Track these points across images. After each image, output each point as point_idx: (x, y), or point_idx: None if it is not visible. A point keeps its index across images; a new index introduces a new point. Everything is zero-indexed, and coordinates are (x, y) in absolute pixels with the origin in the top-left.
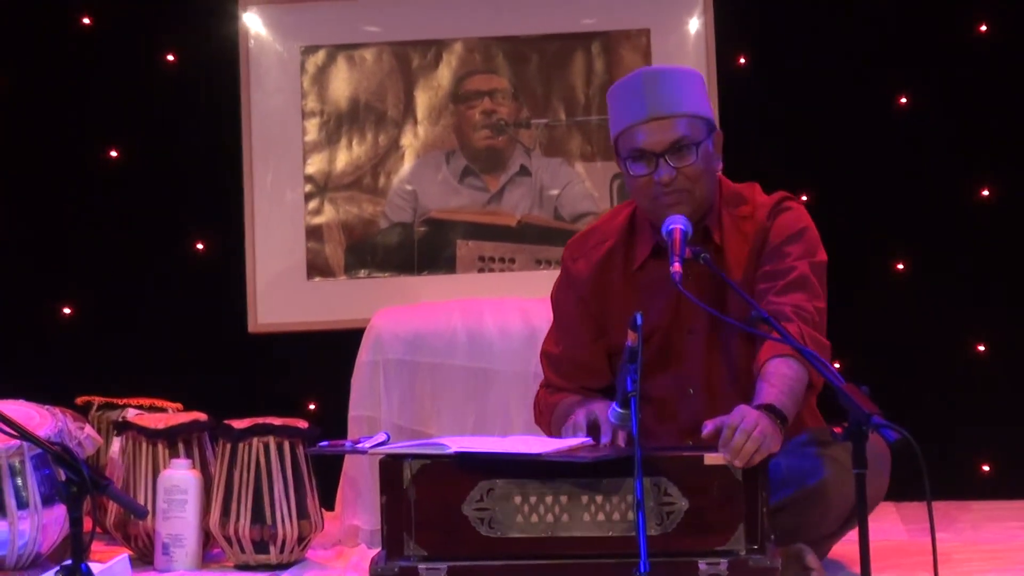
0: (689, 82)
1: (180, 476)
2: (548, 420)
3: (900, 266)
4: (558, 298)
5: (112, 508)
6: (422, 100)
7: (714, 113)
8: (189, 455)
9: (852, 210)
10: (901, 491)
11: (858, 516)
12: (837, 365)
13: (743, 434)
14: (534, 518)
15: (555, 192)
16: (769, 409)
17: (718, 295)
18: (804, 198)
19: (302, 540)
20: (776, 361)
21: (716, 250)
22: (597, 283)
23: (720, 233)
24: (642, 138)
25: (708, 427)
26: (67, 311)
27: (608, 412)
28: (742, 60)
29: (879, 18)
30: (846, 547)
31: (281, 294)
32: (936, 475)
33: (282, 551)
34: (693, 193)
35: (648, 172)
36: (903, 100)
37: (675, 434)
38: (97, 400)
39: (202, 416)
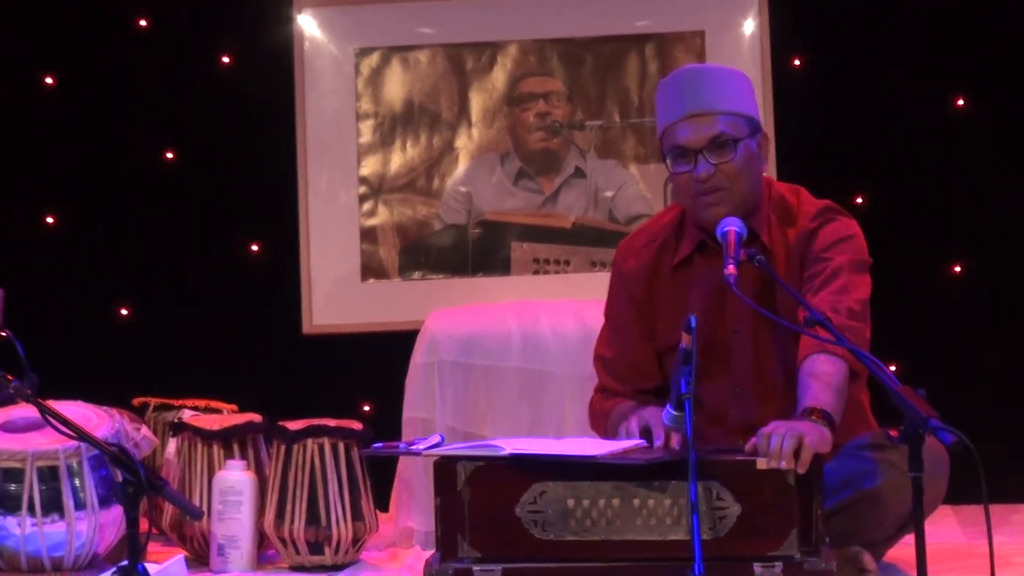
0: (732, 81)
1: (235, 477)
2: (603, 426)
3: (957, 268)
4: (610, 299)
5: (168, 509)
6: (476, 102)
7: (761, 115)
8: (244, 456)
9: (908, 212)
10: (958, 494)
11: (914, 520)
12: (893, 368)
13: (777, 437)
14: (587, 521)
15: (609, 194)
16: (812, 413)
17: (766, 296)
18: (859, 200)
19: (356, 541)
20: (816, 357)
21: (763, 251)
22: (647, 281)
23: (768, 235)
24: (682, 135)
25: (750, 443)
26: (124, 312)
27: (662, 414)
28: (797, 61)
29: (936, 19)
30: (903, 550)
31: (335, 296)
32: (994, 478)
33: (336, 552)
34: (732, 191)
35: (688, 169)
36: (960, 102)
37: (725, 436)
38: (153, 401)
39: (257, 417)
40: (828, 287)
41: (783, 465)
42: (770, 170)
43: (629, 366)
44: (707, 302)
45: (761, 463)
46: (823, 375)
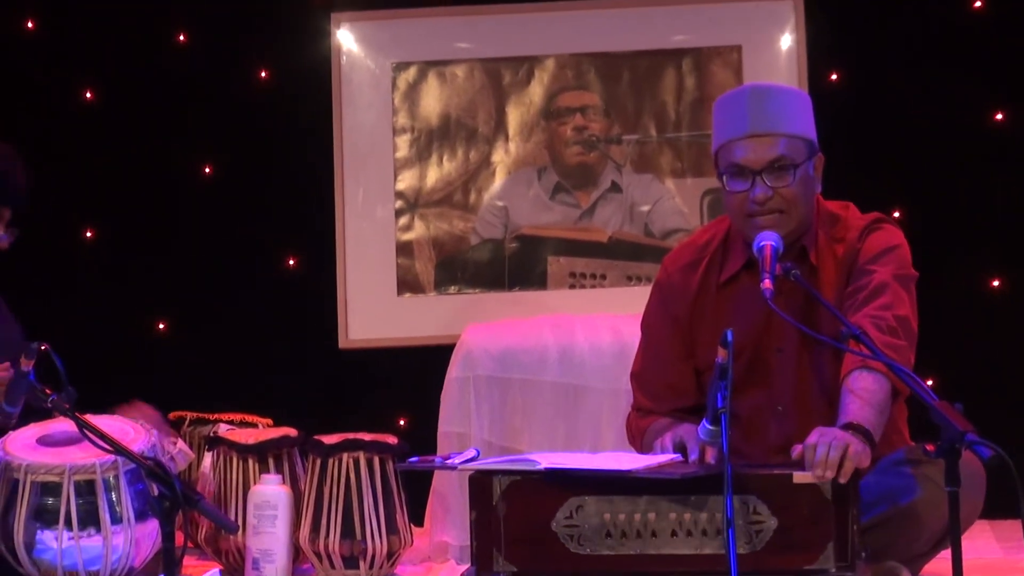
0: (795, 102)
1: (270, 491)
2: (639, 443)
3: (995, 282)
4: (648, 317)
5: (204, 523)
6: (513, 116)
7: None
8: (279, 470)
9: (947, 226)
10: (995, 508)
11: (951, 534)
12: (930, 382)
13: (824, 446)
14: (623, 535)
15: (646, 208)
16: (853, 428)
17: (808, 313)
18: (896, 215)
19: (391, 555)
20: (858, 374)
21: (811, 270)
22: (692, 300)
23: (816, 253)
24: (741, 154)
25: (796, 450)
26: (161, 326)
27: (698, 429)
28: (834, 76)
29: (973, 33)
30: (939, 564)
31: (372, 310)
32: None
33: (372, 566)
34: (788, 214)
35: (744, 189)
36: (999, 116)
37: (764, 452)
38: (189, 415)
39: (292, 431)
40: (871, 303)
41: (827, 475)
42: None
43: (666, 385)
44: (753, 319)
45: (798, 477)
46: (864, 392)
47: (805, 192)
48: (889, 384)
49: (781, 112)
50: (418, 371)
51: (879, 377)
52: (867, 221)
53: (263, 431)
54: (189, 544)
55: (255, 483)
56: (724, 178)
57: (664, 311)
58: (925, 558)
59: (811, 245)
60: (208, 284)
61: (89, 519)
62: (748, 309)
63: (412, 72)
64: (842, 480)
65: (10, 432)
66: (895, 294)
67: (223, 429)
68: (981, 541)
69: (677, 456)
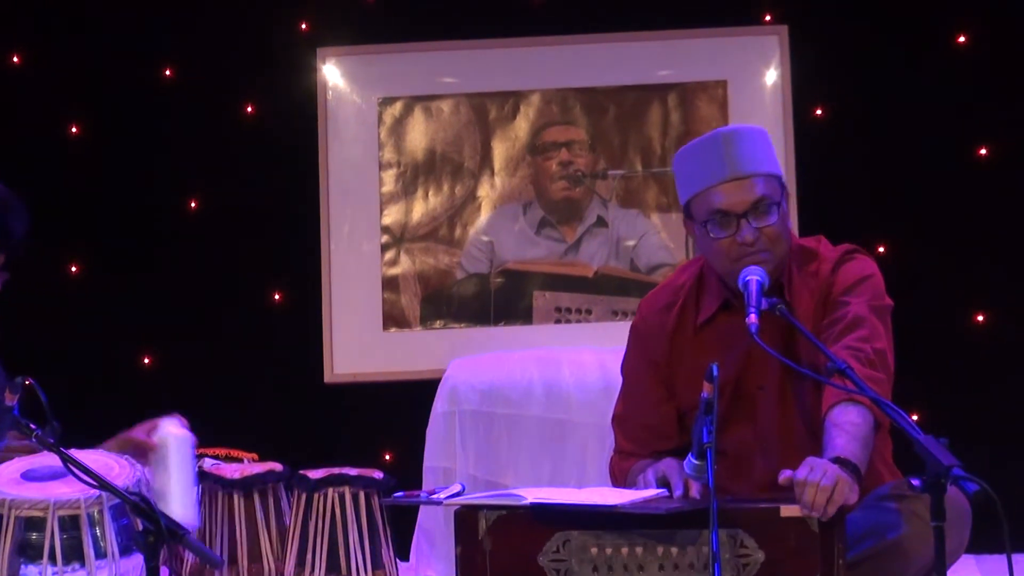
0: (763, 141)
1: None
2: (622, 485)
3: (979, 317)
4: (627, 362)
5: (188, 557)
6: (499, 151)
7: (783, 164)
8: (264, 505)
9: (930, 262)
10: (981, 544)
11: (936, 569)
12: (915, 417)
13: (812, 486)
14: (610, 570)
15: (631, 243)
16: (841, 462)
17: (789, 349)
18: (881, 249)
19: None
20: (842, 408)
21: (787, 306)
22: (668, 341)
23: (790, 289)
24: (722, 199)
25: (784, 474)
26: (146, 361)
27: (684, 463)
28: (819, 111)
29: (958, 68)
30: None
31: (357, 344)
32: (1017, 527)
33: None
34: (775, 252)
35: (729, 234)
36: (982, 151)
37: (750, 490)
38: None
39: (278, 466)
40: (849, 335)
41: (819, 500)
42: (792, 218)
43: (646, 427)
44: (733, 359)
45: (785, 510)
46: (849, 425)
47: (785, 229)
48: (872, 417)
49: (755, 153)
50: (403, 406)
51: (862, 410)
52: (839, 253)
53: (248, 465)
54: None
55: (240, 518)
56: (705, 226)
57: (642, 355)
58: None
59: (786, 281)
60: (193, 318)
61: (73, 554)
62: (727, 349)
63: (398, 107)
64: (824, 519)
65: None
66: (872, 327)
67: (208, 464)
68: None
69: (662, 491)
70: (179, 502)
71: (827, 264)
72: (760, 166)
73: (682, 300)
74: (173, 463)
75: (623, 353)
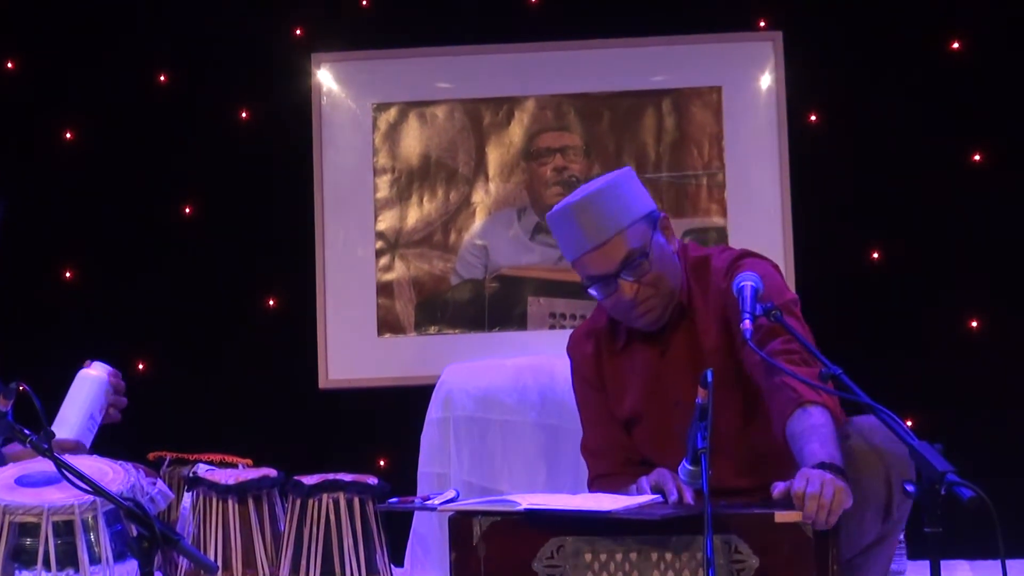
0: (619, 191)
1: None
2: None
3: (974, 323)
4: (574, 390)
5: (183, 563)
6: (493, 157)
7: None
8: (259, 511)
9: (925, 267)
10: (975, 549)
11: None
12: (910, 422)
13: (812, 499)
14: (604, 575)
15: None
16: (826, 467)
17: (698, 363)
18: (875, 255)
19: None
20: (802, 412)
21: (689, 323)
22: (594, 364)
23: (691, 308)
24: (592, 267)
25: (777, 488)
26: (141, 366)
27: (679, 469)
28: (813, 117)
29: (952, 74)
30: None
31: (352, 350)
32: (1011, 533)
33: None
34: (659, 294)
35: (609, 294)
36: (976, 157)
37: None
38: (169, 455)
39: (272, 472)
40: (770, 343)
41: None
42: (785, 224)
43: (610, 444)
44: (646, 381)
45: (780, 516)
46: (817, 428)
47: (665, 267)
48: (830, 413)
49: (610, 212)
50: (398, 411)
51: (821, 410)
52: (727, 262)
53: (243, 471)
54: None
55: (235, 524)
56: (588, 289)
57: (581, 384)
58: (884, 541)
59: (686, 301)
60: (188, 324)
61: (67, 560)
62: (641, 374)
63: (392, 112)
64: (826, 528)
65: None
66: (789, 326)
67: (203, 469)
68: None
69: (657, 497)
70: (70, 425)
71: (718, 275)
72: (618, 223)
73: (599, 328)
74: (78, 395)
75: None
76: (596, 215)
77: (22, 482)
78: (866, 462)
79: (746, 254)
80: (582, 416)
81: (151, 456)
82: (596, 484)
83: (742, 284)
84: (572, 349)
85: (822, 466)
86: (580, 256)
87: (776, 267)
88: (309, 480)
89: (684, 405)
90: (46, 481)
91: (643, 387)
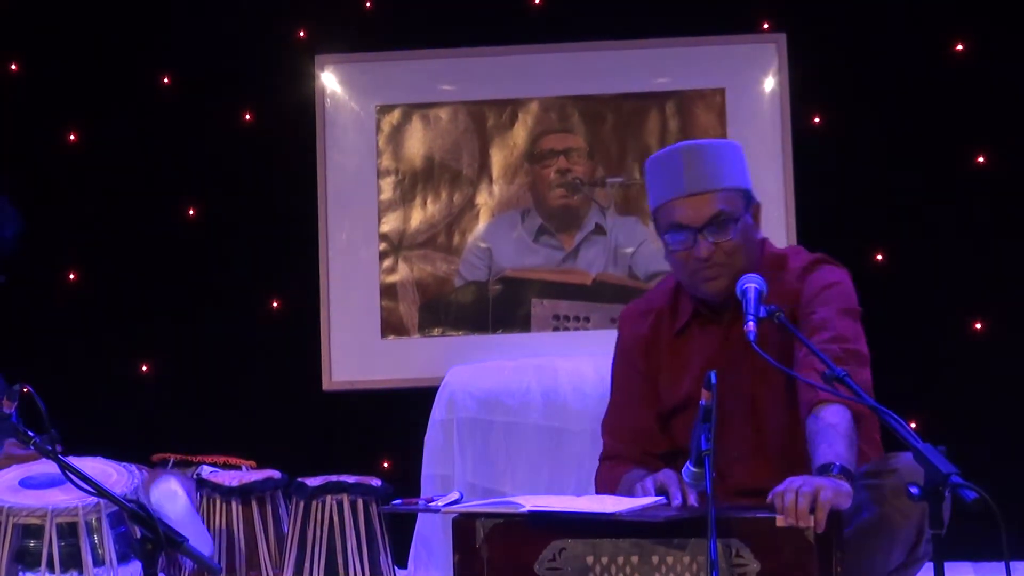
0: (728, 155)
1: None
2: (612, 492)
3: (977, 325)
4: (614, 369)
5: (186, 565)
6: (497, 159)
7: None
8: (263, 512)
9: (929, 270)
10: (979, 551)
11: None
12: (913, 425)
13: (792, 494)
14: None
15: (630, 250)
16: (828, 468)
17: (757, 358)
18: (879, 257)
19: None
20: (819, 412)
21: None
22: (646, 349)
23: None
24: (680, 213)
25: (772, 493)
26: (144, 368)
27: (682, 471)
28: (817, 119)
29: (956, 76)
30: None
31: (355, 352)
32: (1015, 535)
33: None
34: (732, 266)
35: (687, 247)
36: (980, 159)
37: (729, 496)
38: (173, 457)
39: (276, 473)
40: (816, 336)
41: (800, 524)
42: (789, 226)
43: (634, 429)
44: (705, 366)
45: (780, 520)
46: (830, 428)
47: (746, 242)
48: (850, 412)
49: (716, 168)
50: (402, 413)
51: (839, 408)
52: (806, 263)
53: (247, 473)
54: None
55: (239, 525)
56: (665, 237)
57: (626, 360)
58: (905, 570)
59: None
60: (191, 326)
61: (71, 561)
62: (700, 358)
63: (396, 114)
64: (818, 529)
65: None
66: (839, 329)
67: (206, 471)
68: None
69: (660, 499)
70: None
71: (793, 274)
72: (720, 181)
73: (658, 308)
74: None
75: None
76: (702, 164)
77: (26, 484)
78: (901, 509)
79: (823, 259)
80: (614, 395)
81: (155, 458)
82: (608, 464)
83: (746, 286)
84: (624, 325)
85: (825, 468)
86: (672, 199)
87: (849, 275)
88: (313, 482)
89: (743, 398)
90: (50, 483)
91: (701, 374)
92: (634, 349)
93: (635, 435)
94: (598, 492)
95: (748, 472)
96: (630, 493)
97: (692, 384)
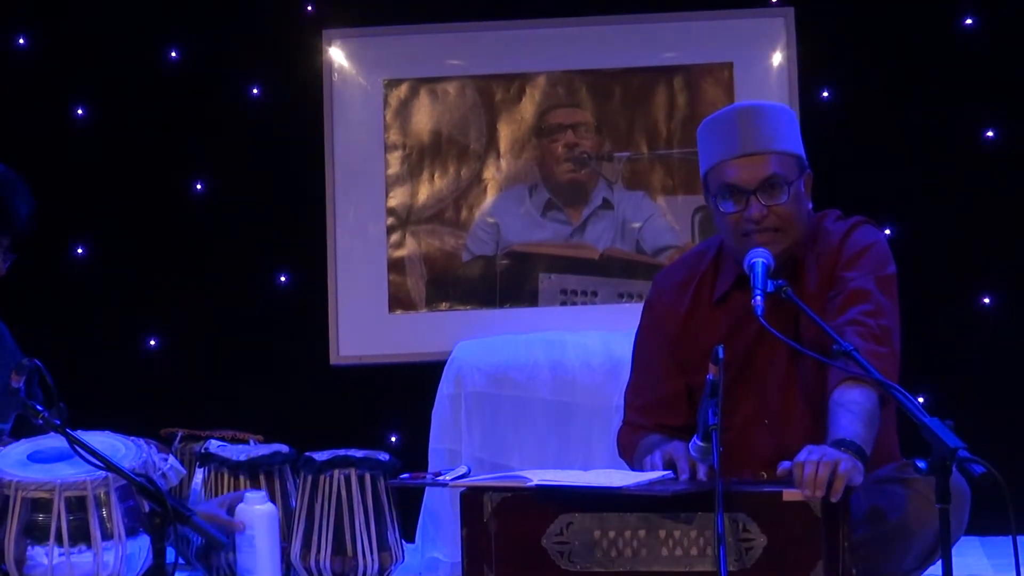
0: (783, 119)
1: (248, 512)
2: (631, 456)
3: (986, 300)
4: (640, 334)
5: (195, 539)
6: (505, 133)
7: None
8: (270, 487)
9: (938, 244)
10: (986, 525)
11: (941, 551)
12: (921, 399)
13: (812, 465)
14: (613, 552)
15: (637, 225)
16: (844, 444)
17: (796, 328)
18: (888, 231)
19: (383, 572)
20: (846, 387)
21: (797, 281)
22: (683, 317)
23: (803, 267)
24: (733, 174)
25: (783, 466)
26: (152, 343)
27: (689, 445)
28: (825, 93)
29: (965, 50)
30: None
31: (363, 327)
32: (1022, 509)
33: None
34: (784, 231)
35: (739, 209)
36: (989, 133)
37: (751, 467)
38: (181, 431)
39: (284, 448)
40: (851, 309)
41: (817, 494)
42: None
43: (657, 400)
44: (745, 335)
45: (788, 495)
46: (853, 405)
47: (799, 209)
48: (877, 395)
49: (771, 130)
50: (409, 388)
51: (866, 389)
52: (846, 226)
53: (254, 447)
54: (180, 560)
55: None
56: (716, 200)
57: (655, 329)
58: (914, 573)
59: (800, 258)
60: (199, 300)
61: (80, 535)
62: (741, 325)
63: (404, 89)
64: (833, 499)
65: (1, 448)
66: (877, 302)
67: (214, 445)
68: (972, 558)
69: (668, 473)
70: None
71: (834, 237)
72: (776, 144)
73: (699, 276)
74: (261, 542)
75: (629, 336)
76: (759, 125)
77: (34, 458)
78: (923, 518)
79: (862, 221)
80: (638, 361)
81: (163, 432)
82: (627, 429)
83: (753, 260)
84: (658, 299)
85: (840, 442)
86: (727, 159)
87: (886, 239)
88: (320, 456)
89: (777, 365)
90: (58, 457)
91: (739, 340)
92: (670, 317)
93: (657, 406)
94: (620, 452)
95: (775, 439)
96: (642, 461)
97: (739, 348)
